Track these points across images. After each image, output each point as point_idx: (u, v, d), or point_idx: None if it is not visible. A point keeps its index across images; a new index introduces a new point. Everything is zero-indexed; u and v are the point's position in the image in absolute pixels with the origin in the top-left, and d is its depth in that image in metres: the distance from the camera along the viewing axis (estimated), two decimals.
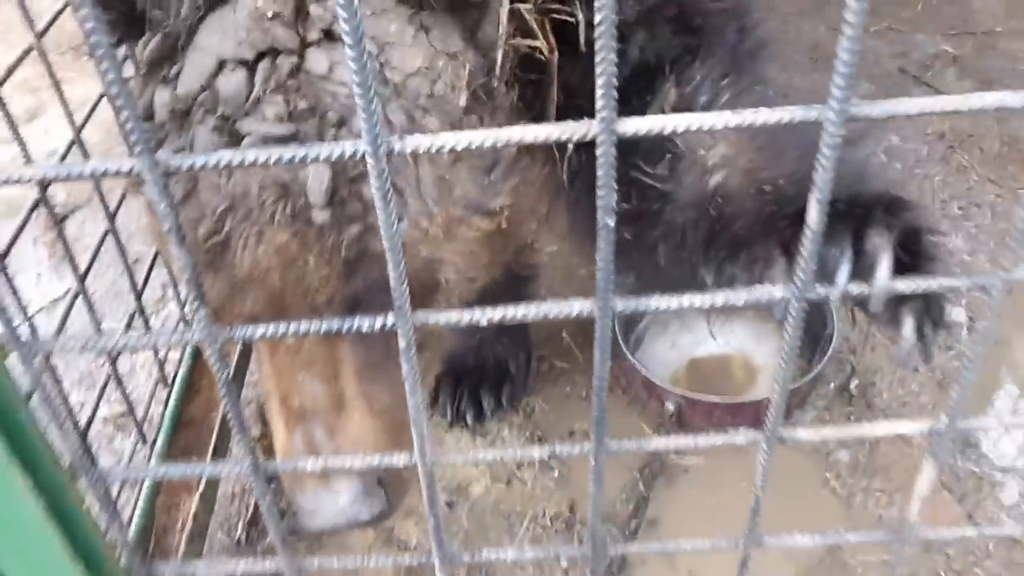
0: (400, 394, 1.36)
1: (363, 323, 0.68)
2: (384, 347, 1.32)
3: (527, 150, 1.34)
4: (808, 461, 2.36)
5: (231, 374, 0.67)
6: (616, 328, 2.53)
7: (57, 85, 1.60)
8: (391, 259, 0.62)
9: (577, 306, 0.68)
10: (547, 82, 1.32)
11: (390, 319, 0.66)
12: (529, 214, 1.52)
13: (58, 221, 1.63)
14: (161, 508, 1.68)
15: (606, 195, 0.59)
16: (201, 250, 1.20)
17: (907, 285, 0.72)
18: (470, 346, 2.53)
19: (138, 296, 1.84)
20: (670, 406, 2.37)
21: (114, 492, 1.64)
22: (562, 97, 1.31)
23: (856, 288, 0.77)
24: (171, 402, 1.88)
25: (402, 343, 0.66)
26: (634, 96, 1.43)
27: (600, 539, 0.90)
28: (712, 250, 1.34)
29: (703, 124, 0.58)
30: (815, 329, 2.52)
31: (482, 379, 2.50)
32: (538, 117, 1.35)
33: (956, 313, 2.69)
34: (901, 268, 1.07)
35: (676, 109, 1.41)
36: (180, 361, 2.01)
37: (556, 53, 1.29)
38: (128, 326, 1.94)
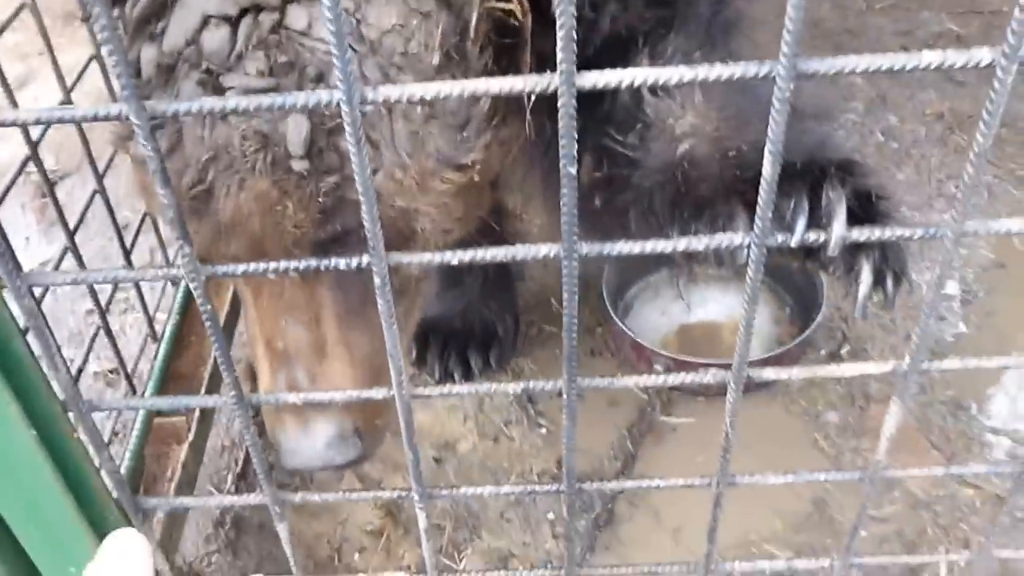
0: (380, 340, 1.44)
1: (339, 261, 0.73)
2: (362, 293, 1.40)
3: (498, 111, 1.40)
4: (797, 422, 2.43)
5: (215, 310, 0.71)
6: (605, 294, 2.59)
7: (48, 43, 1.63)
8: (365, 201, 0.66)
9: (544, 249, 0.72)
10: (520, 46, 1.37)
11: (365, 258, 0.71)
12: (503, 173, 1.58)
13: (47, 180, 1.67)
14: (151, 458, 1.73)
15: (567, 144, 0.63)
16: (186, 198, 1.27)
17: (862, 233, 0.77)
18: (457, 310, 2.59)
19: (127, 255, 1.89)
20: (659, 368, 2.42)
21: (105, 438, 1.69)
22: (535, 63, 1.36)
23: (813, 235, 0.82)
24: (159, 355, 1.93)
25: (377, 281, 0.71)
26: (606, 68, 1.47)
27: (573, 475, 0.95)
28: (678, 211, 1.39)
29: (660, 77, 0.62)
30: (807, 300, 2.58)
31: (470, 340, 2.56)
32: None
33: (951, 287, 2.75)
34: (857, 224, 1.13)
35: (639, 91, 1.46)
36: (168, 317, 2.06)
37: (529, 17, 1.33)
38: (115, 288, 1.98)
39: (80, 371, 1.65)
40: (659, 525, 2.19)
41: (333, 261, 0.72)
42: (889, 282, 1.20)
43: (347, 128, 0.61)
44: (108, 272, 0.70)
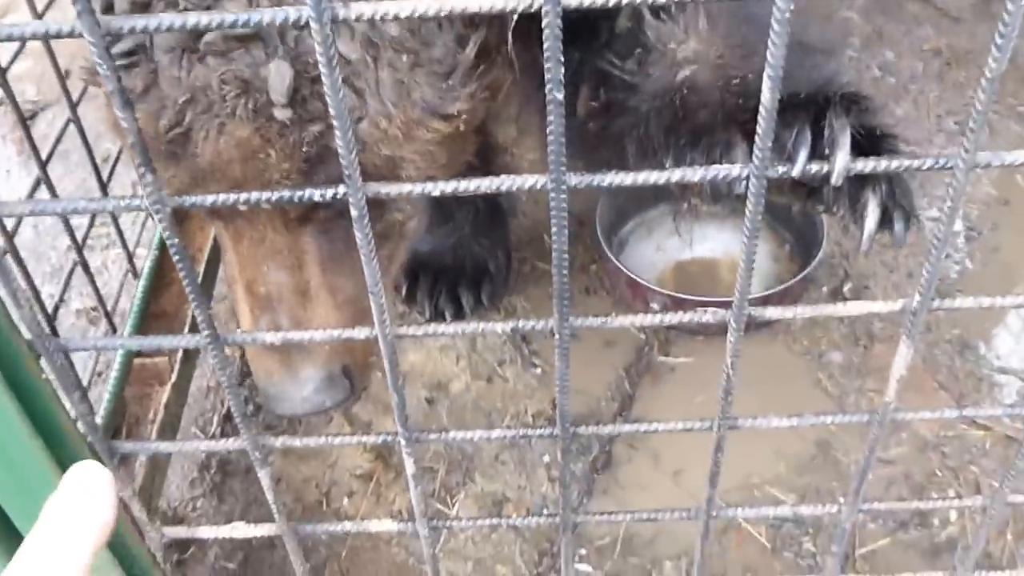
0: (363, 285, 1.43)
1: (314, 192, 0.70)
2: (346, 238, 1.38)
3: (485, 57, 1.39)
4: (801, 361, 2.42)
5: (183, 243, 0.69)
6: (599, 231, 2.56)
7: None
8: (339, 128, 0.63)
9: (531, 180, 0.70)
10: None
11: (341, 188, 0.68)
12: (493, 109, 1.55)
13: (18, 109, 1.63)
14: (132, 399, 1.72)
15: (553, 67, 0.60)
16: (162, 141, 1.25)
17: (867, 164, 0.74)
18: (447, 245, 2.56)
19: (102, 187, 1.85)
20: (655, 306, 2.41)
21: (84, 381, 1.68)
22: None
23: (815, 166, 0.79)
24: (139, 292, 1.90)
25: (354, 212, 0.68)
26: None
27: (568, 418, 0.94)
28: (674, 137, 1.38)
29: None
30: (807, 239, 2.55)
31: (460, 277, 2.54)
32: (500, 32, 1.38)
33: (956, 223, 2.72)
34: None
35: (641, 15, 1.42)
36: (149, 252, 2.03)
37: None
38: (92, 221, 1.95)
39: (57, 308, 1.62)
40: (658, 468, 2.19)
41: (308, 192, 0.69)
42: (898, 219, 1.17)
43: (317, 48, 0.58)
44: (67, 203, 0.67)
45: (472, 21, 1.33)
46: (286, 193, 0.69)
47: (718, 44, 1.39)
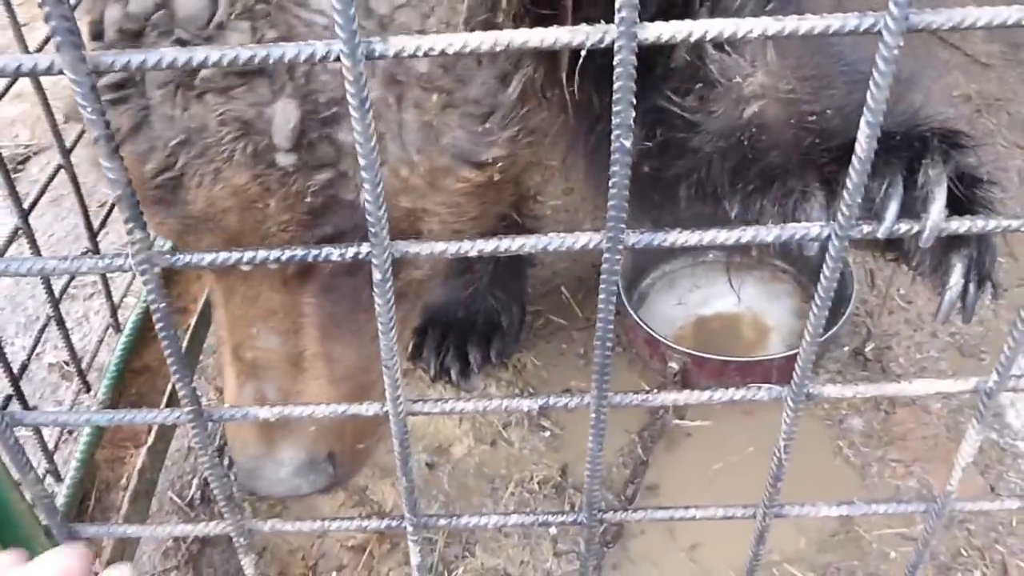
0: (366, 356, 1.34)
1: (333, 252, 0.62)
2: (352, 299, 1.28)
3: (530, 97, 1.28)
4: (820, 426, 2.35)
5: (167, 305, 0.61)
6: (619, 283, 2.49)
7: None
8: (367, 181, 0.56)
9: (584, 238, 0.63)
10: (562, 18, 1.24)
11: (364, 247, 0.61)
12: (530, 167, 1.45)
13: (2, 161, 1.56)
14: (105, 463, 1.62)
15: (623, 110, 0.54)
16: (151, 186, 1.16)
17: (961, 224, 0.67)
18: (460, 298, 2.49)
19: (92, 237, 1.77)
20: (674, 365, 2.34)
21: (51, 445, 1.59)
22: None
23: (905, 225, 0.71)
24: (119, 348, 1.82)
25: (377, 276, 0.61)
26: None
27: (595, 505, 0.86)
28: (740, 181, 1.28)
29: (738, 31, 0.53)
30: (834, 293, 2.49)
31: (471, 332, 2.47)
32: (549, 68, 1.28)
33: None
34: (955, 213, 1.03)
35: (702, 47, 1.34)
36: (136, 305, 1.96)
37: None
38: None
39: (24, 367, 1.54)
40: (673, 542, 2.10)
41: (325, 251, 0.61)
42: (971, 287, 1.09)
43: (349, 88, 0.51)
44: (42, 263, 0.60)
45: (518, 57, 1.22)
46: (299, 251, 0.62)
47: (788, 77, 1.30)
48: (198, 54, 0.53)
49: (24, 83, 1.65)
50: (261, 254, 0.62)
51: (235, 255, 0.62)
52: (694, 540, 2.09)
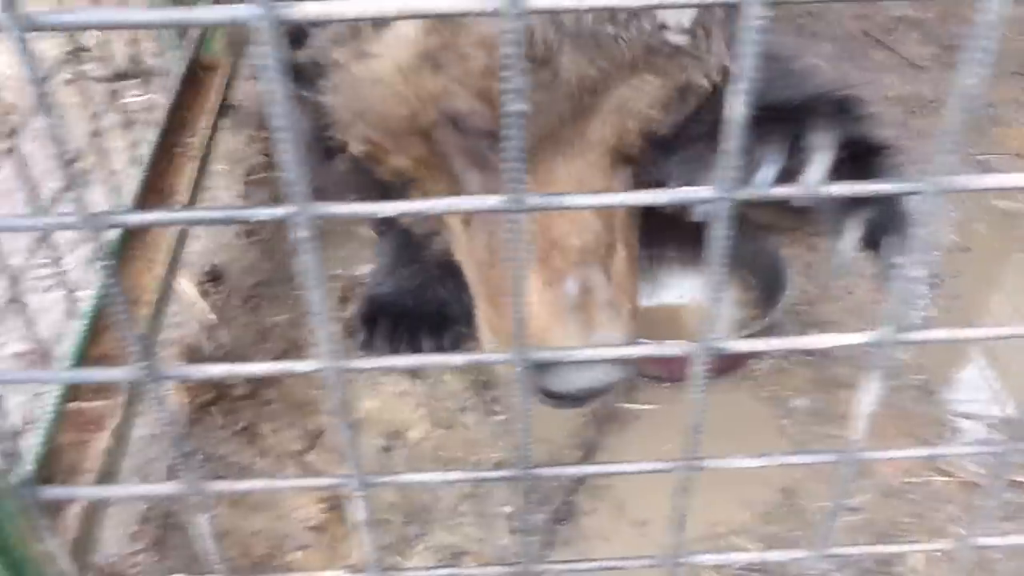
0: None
1: (260, 212, 0.67)
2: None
3: None
4: (765, 408, 2.42)
5: (117, 267, 0.65)
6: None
7: None
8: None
9: (489, 201, 0.67)
10: None
11: (289, 210, 0.65)
12: None
13: None
14: (69, 447, 1.64)
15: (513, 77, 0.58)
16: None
17: (839, 189, 0.72)
18: (411, 287, 2.51)
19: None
20: None
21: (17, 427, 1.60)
22: None
23: (785, 189, 0.77)
24: (77, 334, 1.84)
25: (304, 233, 0.65)
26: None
27: (529, 459, 0.90)
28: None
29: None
30: (770, 284, 2.56)
31: (423, 322, 2.49)
32: None
33: (921, 271, 2.75)
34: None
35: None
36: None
37: None
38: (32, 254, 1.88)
39: None
40: (623, 518, 2.15)
41: (250, 212, 0.66)
42: (885, 244, 1.15)
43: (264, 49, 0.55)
44: None
45: None
46: (232, 212, 0.66)
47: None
48: (133, 15, 0.58)
49: None
50: (184, 215, 0.66)
51: (163, 215, 0.66)
52: (643, 517, 2.15)
